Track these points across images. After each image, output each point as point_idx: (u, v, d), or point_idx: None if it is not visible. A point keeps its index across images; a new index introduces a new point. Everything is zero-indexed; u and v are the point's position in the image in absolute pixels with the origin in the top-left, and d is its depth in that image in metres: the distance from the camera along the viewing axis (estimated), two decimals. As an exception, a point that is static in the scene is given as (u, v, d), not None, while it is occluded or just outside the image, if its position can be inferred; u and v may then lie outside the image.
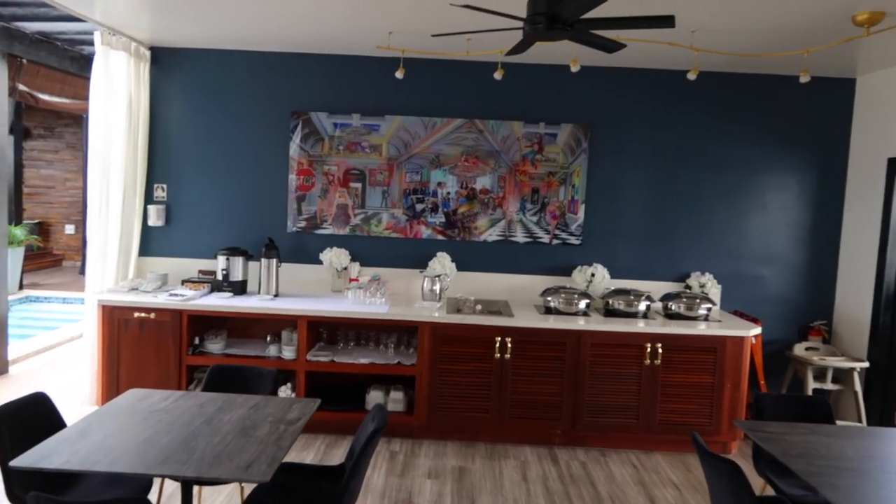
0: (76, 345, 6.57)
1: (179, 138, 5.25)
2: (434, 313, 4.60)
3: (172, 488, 3.63)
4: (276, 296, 4.91)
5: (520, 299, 5.21)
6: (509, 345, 4.52)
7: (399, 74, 4.55)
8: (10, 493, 2.51)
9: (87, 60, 6.38)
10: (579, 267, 5.19)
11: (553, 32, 3.13)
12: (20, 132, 10.47)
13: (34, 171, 11.51)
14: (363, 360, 4.65)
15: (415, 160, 5.23)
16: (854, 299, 5.10)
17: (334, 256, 5.16)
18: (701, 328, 4.56)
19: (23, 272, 9.27)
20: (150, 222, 5.20)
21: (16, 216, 9.71)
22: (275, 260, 4.92)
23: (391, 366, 4.64)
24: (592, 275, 5.12)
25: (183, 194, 5.28)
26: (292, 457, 4.27)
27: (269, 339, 4.85)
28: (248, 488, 3.50)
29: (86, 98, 4.70)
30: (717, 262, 5.27)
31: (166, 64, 5.20)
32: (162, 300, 4.56)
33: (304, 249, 5.28)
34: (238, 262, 4.91)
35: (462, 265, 5.22)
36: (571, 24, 3.10)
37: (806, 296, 5.30)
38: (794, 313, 5.31)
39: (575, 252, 5.27)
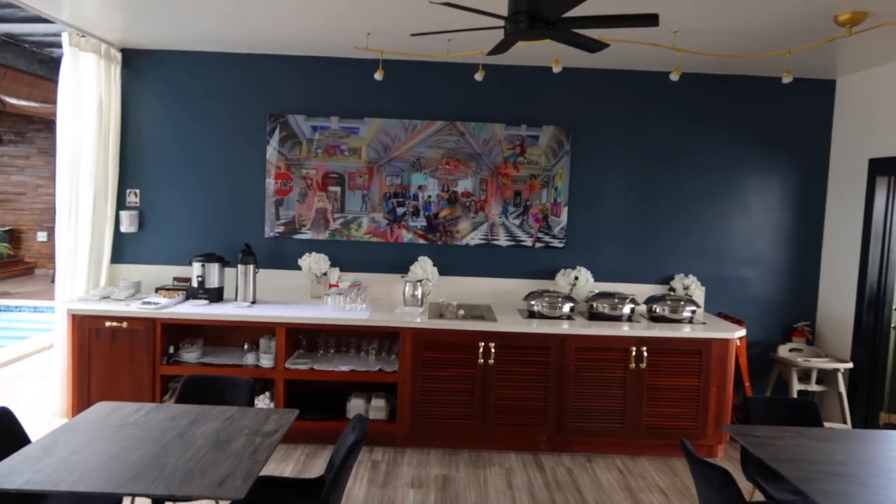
0: (48, 355, 6.38)
1: (153, 142, 5.11)
2: (416, 319, 4.51)
3: (145, 504, 3.50)
4: (253, 303, 4.79)
5: (503, 303, 5.13)
6: (493, 350, 4.44)
7: (378, 76, 4.46)
8: (-32, 515, 2.38)
9: (56, 63, 6.19)
10: (563, 270, 5.13)
11: (535, 31, 3.06)
12: (-10, 138, 10.22)
13: (5, 177, 11.24)
14: (343, 368, 4.55)
15: (395, 163, 5.14)
16: (837, 300, 5.09)
17: (313, 262, 5.05)
18: (686, 331, 4.52)
19: (-7, 281, 9.04)
20: (123, 228, 5.05)
21: (-14, 223, 9.46)
22: (252, 266, 4.80)
23: (372, 373, 4.54)
24: (576, 278, 5.06)
25: (157, 199, 5.14)
26: (270, 469, 4.15)
27: (246, 347, 4.73)
28: None
29: (56, 102, 4.54)
30: (701, 263, 5.24)
31: (138, 66, 5.06)
32: (134, 308, 4.42)
33: (283, 255, 5.17)
34: (214, 268, 4.78)
35: (444, 269, 5.14)
36: (553, 22, 3.04)
37: (789, 297, 5.29)
38: (778, 315, 5.29)
39: (558, 255, 5.21)
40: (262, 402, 4.58)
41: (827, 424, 4.62)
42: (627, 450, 4.60)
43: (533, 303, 4.78)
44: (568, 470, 4.32)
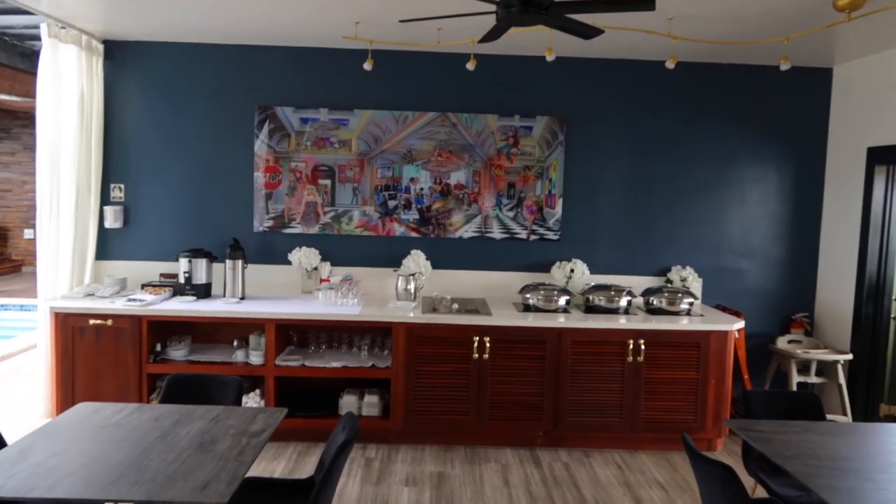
0: (33, 354, 6.25)
1: (137, 136, 4.98)
2: (409, 313, 4.42)
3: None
4: (242, 298, 4.68)
5: (498, 297, 5.04)
6: (487, 344, 4.35)
7: (367, 66, 4.35)
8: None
9: (38, 56, 6.06)
10: (558, 263, 5.04)
11: (527, 16, 2.96)
12: (-26, 134, 10.05)
13: (-10, 174, 11.07)
14: (335, 364, 4.45)
15: (386, 155, 5.03)
16: (835, 290, 5.03)
17: (304, 256, 4.95)
18: (684, 323, 4.44)
19: (-21, 279, 8.89)
20: (108, 224, 4.93)
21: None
22: (240, 261, 4.69)
23: (365, 369, 4.44)
24: (572, 270, 4.98)
25: (142, 194, 5.02)
26: (261, 468, 4.06)
27: (236, 344, 4.62)
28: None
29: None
30: (698, 255, 5.16)
31: (121, 58, 4.93)
32: (119, 306, 4.31)
33: (272, 250, 5.06)
34: (201, 264, 4.67)
35: (437, 263, 5.04)
36: (546, 7, 2.94)
37: (787, 288, 5.22)
38: (776, 306, 5.22)
39: (553, 247, 5.12)
40: (253, 399, 4.48)
41: (827, 416, 4.57)
42: (625, 444, 4.52)
43: (528, 296, 4.69)
44: (565, 465, 4.25)
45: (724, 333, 4.40)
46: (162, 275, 4.92)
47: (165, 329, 4.56)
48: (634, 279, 5.09)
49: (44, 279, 4.46)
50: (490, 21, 3.21)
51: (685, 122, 5.10)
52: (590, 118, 5.06)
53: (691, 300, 4.67)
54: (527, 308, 4.68)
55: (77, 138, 4.58)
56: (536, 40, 4.33)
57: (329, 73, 4.97)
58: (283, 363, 4.43)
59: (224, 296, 4.68)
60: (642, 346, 4.37)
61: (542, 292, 4.67)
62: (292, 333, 4.80)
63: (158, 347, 4.46)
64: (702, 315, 4.64)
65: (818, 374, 4.89)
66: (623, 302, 4.66)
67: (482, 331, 4.35)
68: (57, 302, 4.37)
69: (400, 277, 4.74)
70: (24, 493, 2.03)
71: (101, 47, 4.83)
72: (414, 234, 5.09)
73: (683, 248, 5.17)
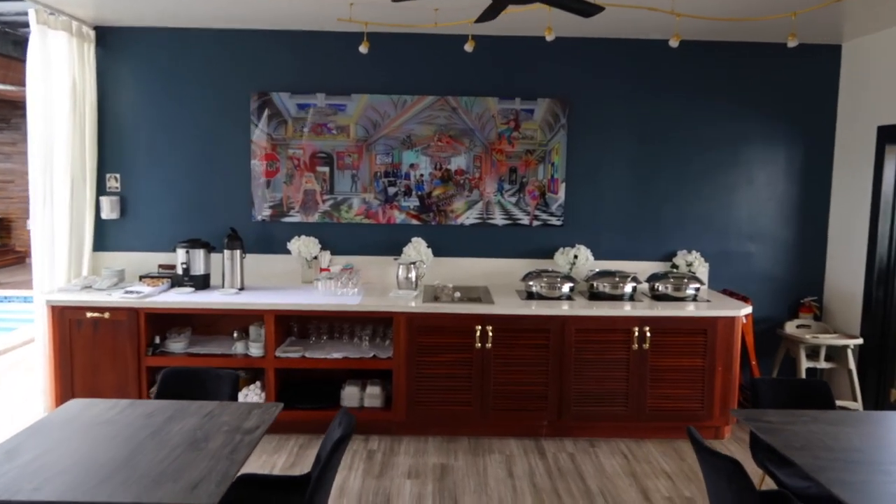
0: (33, 348, 6.22)
1: (132, 124, 4.90)
2: (410, 302, 4.34)
3: None
4: (241, 289, 4.62)
5: (500, 284, 4.96)
6: (490, 333, 4.28)
7: (363, 49, 4.24)
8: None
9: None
10: (561, 249, 4.95)
11: (524, -7, 2.86)
12: (-26, 125, 9.99)
13: (-8, 165, 11.03)
14: (336, 355, 4.38)
15: (385, 141, 4.93)
16: (845, 274, 4.92)
17: (303, 245, 4.87)
18: (690, 309, 4.35)
19: (-18, 271, 8.87)
20: (104, 215, 4.86)
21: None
22: (238, 251, 4.62)
23: (366, 360, 4.38)
24: (575, 256, 4.88)
25: (138, 184, 4.94)
26: (262, 461, 4.01)
27: (236, 335, 4.57)
28: None
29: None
30: (704, 239, 5.06)
31: (113, 44, 4.84)
32: (116, 298, 4.25)
33: (271, 239, 4.99)
34: (199, 254, 4.60)
35: (438, 251, 4.96)
36: (545, -16, 2.84)
37: (795, 272, 5.11)
38: (784, 290, 5.12)
39: (556, 233, 5.03)
40: (254, 392, 4.43)
41: (837, 402, 4.49)
42: (631, 433, 4.45)
43: (531, 283, 4.61)
44: (570, 456, 4.18)
45: (732, 319, 4.31)
46: (161, 266, 4.85)
47: (164, 321, 4.51)
48: (639, 265, 5.00)
49: (40, 272, 4.40)
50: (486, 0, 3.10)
51: (690, 103, 4.97)
52: (593, 100, 4.95)
53: (697, 285, 4.58)
54: (530, 296, 4.60)
55: (70, 127, 4.51)
56: (536, 20, 4.20)
57: (325, 57, 4.87)
58: (284, 355, 4.37)
59: (223, 286, 4.62)
60: (648, 334, 4.28)
61: (545, 279, 4.58)
62: (293, 324, 4.73)
63: (157, 340, 4.41)
64: (708, 301, 4.55)
65: (827, 359, 4.79)
66: (628, 288, 4.57)
67: (484, 319, 4.27)
68: (53, 295, 4.32)
69: (401, 266, 4.66)
70: (8, 496, 1.97)
71: (92, 34, 4.74)
72: (414, 222, 5.00)
73: (689, 232, 5.06)
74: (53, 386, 4.29)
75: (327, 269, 4.84)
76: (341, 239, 5.00)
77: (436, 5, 3.95)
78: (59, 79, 4.41)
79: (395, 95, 4.87)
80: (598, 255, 4.98)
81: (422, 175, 4.96)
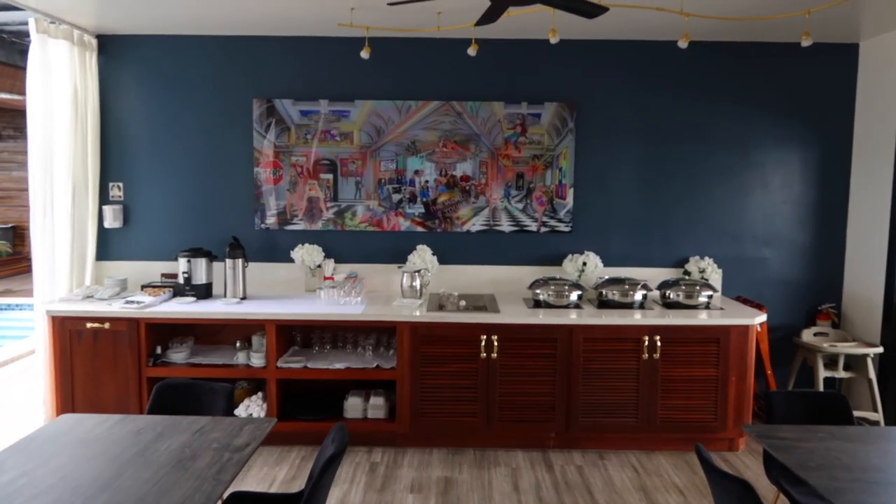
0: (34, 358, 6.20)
1: (135, 133, 4.86)
2: (414, 312, 4.25)
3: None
4: (243, 298, 4.56)
5: (507, 292, 4.86)
6: (496, 343, 4.17)
7: (364, 54, 4.18)
8: None
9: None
10: (570, 256, 4.84)
11: (524, -6, 2.77)
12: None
13: (5, 173, 11.13)
14: (339, 366, 4.30)
15: (389, 147, 4.85)
16: (865, 279, 4.76)
17: (306, 254, 4.80)
18: (702, 317, 4.22)
19: (-6, 279, 8.91)
20: (107, 224, 4.83)
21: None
22: (240, 260, 4.56)
23: (370, 370, 4.29)
24: (584, 264, 4.77)
25: (141, 193, 4.90)
26: (263, 474, 3.94)
27: (238, 345, 4.51)
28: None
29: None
30: (717, 245, 4.92)
31: (115, 52, 4.81)
32: (117, 308, 4.20)
33: (274, 247, 4.92)
34: (201, 263, 4.55)
35: (444, 258, 4.86)
36: (545, -16, 2.75)
37: (812, 278, 4.96)
38: (801, 297, 4.97)
39: (565, 240, 4.92)
40: (255, 403, 4.36)
41: (856, 413, 4.33)
42: (642, 445, 4.33)
43: (538, 291, 4.51)
44: (579, 469, 4.06)
45: (746, 328, 4.17)
46: (164, 275, 4.81)
47: (166, 331, 4.46)
48: (650, 271, 4.87)
49: (40, 281, 4.36)
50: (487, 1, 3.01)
51: (701, 105, 4.84)
52: (601, 103, 4.84)
53: (710, 293, 4.44)
54: (537, 304, 4.49)
55: (72, 136, 4.47)
56: (540, 22, 4.11)
57: (328, 63, 4.80)
58: (286, 365, 4.29)
59: (225, 296, 4.56)
60: (658, 343, 4.16)
61: (552, 287, 4.48)
62: (295, 333, 4.66)
63: (159, 350, 4.35)
64: (721, 308, 4.42)
65: (846, 368, 4.63)
66: (638, 296, 4.45)
67: (490, 329, 4.17)
68: (53, 305, 4.28)
69: (405, 274, 4.58)
70: (-18, 520, 1.91)
71: (94, 42, 4.71)
72: (420, 229, 4.92)
73: (702, 237, 4.93)
74: (54, 397, 4.24)
75: (331, 278, 4.76)
76: (345, 247, 4.93)
77: (437, 9, 3.86)
78: (61, 87, 4.38)
79: (399, 101, 4.80)
80: (607, 262, 4.86)
81: (427, 181, 4.88)
